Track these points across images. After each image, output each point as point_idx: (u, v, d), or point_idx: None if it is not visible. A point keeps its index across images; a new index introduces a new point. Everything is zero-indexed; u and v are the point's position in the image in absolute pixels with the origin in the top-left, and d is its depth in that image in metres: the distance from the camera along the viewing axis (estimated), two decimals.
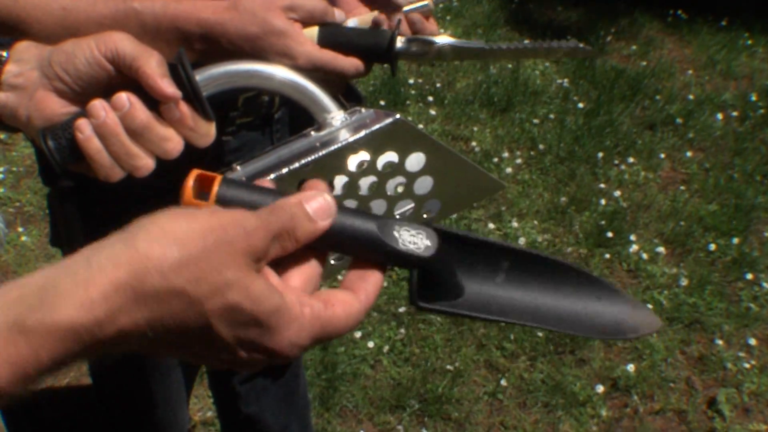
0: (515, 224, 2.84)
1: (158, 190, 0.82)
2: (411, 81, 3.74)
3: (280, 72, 0.72)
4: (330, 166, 0.69)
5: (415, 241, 0.52)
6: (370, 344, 2.31)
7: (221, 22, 0.74)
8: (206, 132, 0.65)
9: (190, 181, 0.51)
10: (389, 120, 0.69)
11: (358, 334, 2.34)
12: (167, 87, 0.62)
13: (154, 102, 0.63)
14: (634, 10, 4.57)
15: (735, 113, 3.64)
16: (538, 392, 2.22)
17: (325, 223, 0.50)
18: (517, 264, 0.56)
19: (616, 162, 3.26)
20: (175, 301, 0.44)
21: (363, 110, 0.72)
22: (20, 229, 2.73)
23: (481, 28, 4.37)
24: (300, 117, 0.78)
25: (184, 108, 0.63)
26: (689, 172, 3.25)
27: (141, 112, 0.62)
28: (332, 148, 0.68)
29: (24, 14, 0.74)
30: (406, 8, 0.84)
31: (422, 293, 0.54)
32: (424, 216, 0.78)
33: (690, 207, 3.00)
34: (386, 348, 2.31)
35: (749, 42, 4.33)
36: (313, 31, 0.78)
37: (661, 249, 2.76)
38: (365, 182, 0.72)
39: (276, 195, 0.52)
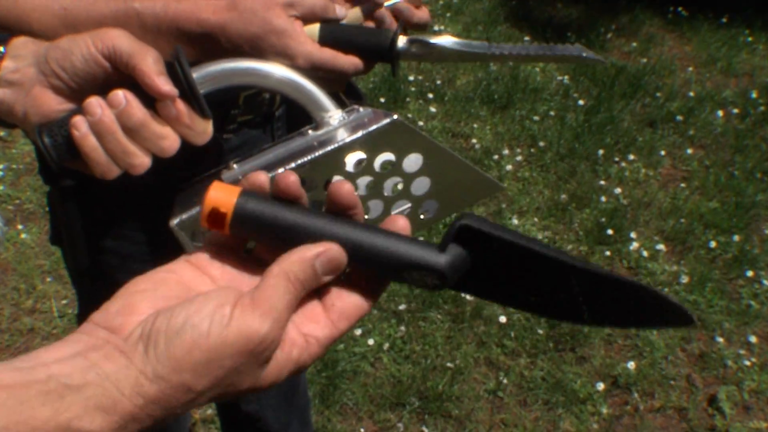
0: (515, 221, 2.84)
1: (158, 190, 0.82)
2: (411, 78, 3.73)
3: (277, 70, 0.72)
4: (327, 165, 0.69)
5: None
6: (371, 342, 2.31)
7: (222, 22, 0.73)
8: (203, 130, 0.65)
9: (206, 211, 0.49)
10: (387, 120, 0.69)
11: (358, 332, 2.34)
12: (164, 84, 0.61)
13: (150, 99, 0.63)
14: (635, 7, 4.56)
15: (735, 110, 3.64)
16: (538, 390, 2.22)
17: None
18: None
19: (617, 159, 3.25)
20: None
21: (361, 109, 0.71)
22: (20, 227, 2.73)
23: (481, 25, 4.36)
24: (298, 114, 0.78)
25: (181, 106, 0.63)
26: (690, 169, 3.24)
27: (137, 110, 0.62)
28: (329, 148, 0.68)
29: (24, 14, 0.74)
30: (387, 3, 0.83)
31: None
32: (421, 216, 0.77)
33: (690, 204, 2.99)
34: (386, 345, 2.31)
35: (750, 39, 4.32)
36: (315, 28, 0.77)
37: (661, 246, 2.76)
38: (362, 182, 0.72)
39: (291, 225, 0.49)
